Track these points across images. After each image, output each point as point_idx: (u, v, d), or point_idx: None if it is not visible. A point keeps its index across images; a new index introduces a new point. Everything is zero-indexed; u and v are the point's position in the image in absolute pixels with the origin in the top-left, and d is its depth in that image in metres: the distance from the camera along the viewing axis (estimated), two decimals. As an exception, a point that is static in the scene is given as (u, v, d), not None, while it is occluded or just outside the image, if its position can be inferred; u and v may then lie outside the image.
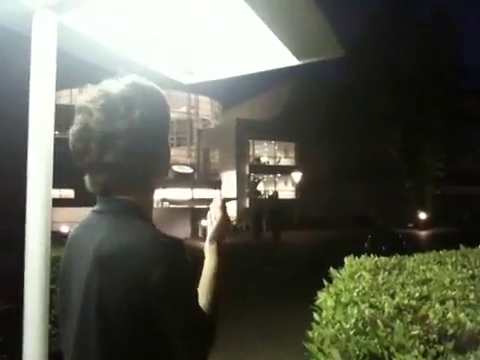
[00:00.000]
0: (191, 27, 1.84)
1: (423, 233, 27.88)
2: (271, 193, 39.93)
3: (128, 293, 1.07)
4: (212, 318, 1.24)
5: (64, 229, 17.00)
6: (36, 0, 1.46)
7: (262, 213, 20.16)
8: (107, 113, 1.15)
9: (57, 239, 1.80)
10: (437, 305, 1.99)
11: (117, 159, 1.14)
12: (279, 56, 2.00)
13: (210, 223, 1.50)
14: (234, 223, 31.47)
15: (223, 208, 1.51)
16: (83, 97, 1.21)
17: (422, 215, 32.21)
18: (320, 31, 1.77)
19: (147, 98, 1.21)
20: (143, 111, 1.17)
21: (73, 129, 1.19)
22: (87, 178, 1.22)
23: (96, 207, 1.25)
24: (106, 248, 1.12)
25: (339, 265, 3.04)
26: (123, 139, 1.14)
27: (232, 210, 32.95)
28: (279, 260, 14.97)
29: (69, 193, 27.12)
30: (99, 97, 1.17)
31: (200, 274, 1.38)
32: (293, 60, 2.01)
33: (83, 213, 1.31)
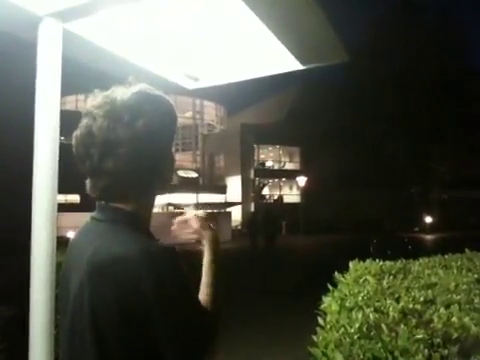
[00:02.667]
0: (196, 33, 1.86)
1: (429, 237, 27.74)
2: (276, 197, 39.91)
3: (120, 303, 1.06)
4: (213, 312, 1.25)
5: (70, 234, 17.04)
6: (43, 8, 1.48)
7: (256, 218, 19.43)
8: (110, 120, 1.15)
9: (62, 244, 1.81)
10: (442, 309, 1.99)
11: (116, 166, 1.14)
12: (283, 61, 2.01)
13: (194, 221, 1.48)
14: (239, 228, 31.45)
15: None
16: (90, 102, 1.21)
17: (428, 219, 32.05)
18: (324, 36, 1.78)
19: (153, 107, 1.21)
20: (147, 121, 1.17)
21: (77, 133, 1.20)
22: (88, 182, 1.23)
23: (94, 214, 1.26)
24: (98, 258, 1.12)
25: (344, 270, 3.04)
26: (124, 147, 1.14)
27: (237, 215, 32.94)
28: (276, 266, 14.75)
29: (75, 198, 27.18)
30: (105, 104, 1.18)
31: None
32: (297, 65, 2.02)
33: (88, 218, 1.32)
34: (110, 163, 1.14)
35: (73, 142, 1.21)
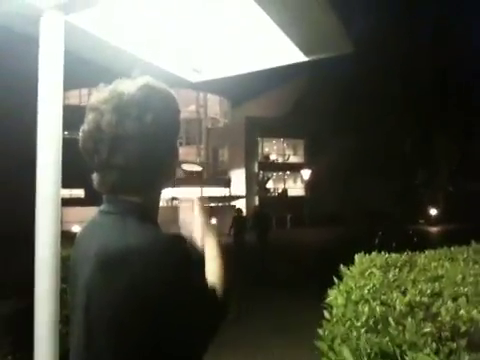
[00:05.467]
0: (199, 25, 1.84)
1: (434, 229, 27.66)
2: (280, 191, 39.90)
3: (135, 292, 1.06)
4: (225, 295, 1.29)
5: (75, 229, 17.19)
6: (44, 1, 1.47)
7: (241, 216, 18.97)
8: (119, 115, 1.14)
9: (67, 239, 1.81)
10: (449, 302, 1.97)
11: (126, 161, 1.14)
12: (286, 53, 1.99)
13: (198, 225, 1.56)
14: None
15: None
16: (95, 97, 1.20)
17: (433, 211, 31.96)
18: (329, 26, 1.76)
19: (160, 101, 1.20)
20: (155, 115, 1.17)
21: (84, 128, 1.18)
22: (95, 177, 1.21)
23: (102, 207, 1.25)
24: (109, 250, 1.12)
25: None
26: (133, 142, 1.14)
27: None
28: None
29: (79, 193, 27.28)
30: (112, 98, 1.16)
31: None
32: (301, 56, 2.00)
33: (93, 212, 1.32)
34: (120, 158, 1.14)
35: (80, 137, 1.19)
